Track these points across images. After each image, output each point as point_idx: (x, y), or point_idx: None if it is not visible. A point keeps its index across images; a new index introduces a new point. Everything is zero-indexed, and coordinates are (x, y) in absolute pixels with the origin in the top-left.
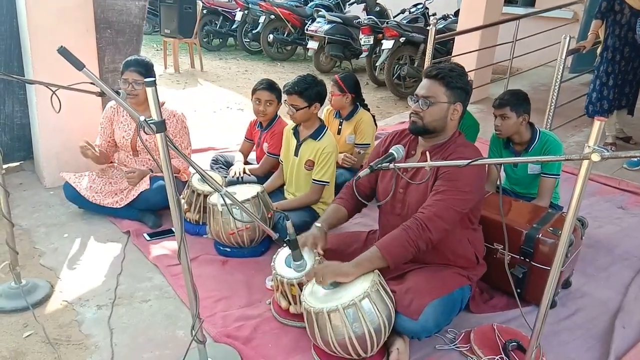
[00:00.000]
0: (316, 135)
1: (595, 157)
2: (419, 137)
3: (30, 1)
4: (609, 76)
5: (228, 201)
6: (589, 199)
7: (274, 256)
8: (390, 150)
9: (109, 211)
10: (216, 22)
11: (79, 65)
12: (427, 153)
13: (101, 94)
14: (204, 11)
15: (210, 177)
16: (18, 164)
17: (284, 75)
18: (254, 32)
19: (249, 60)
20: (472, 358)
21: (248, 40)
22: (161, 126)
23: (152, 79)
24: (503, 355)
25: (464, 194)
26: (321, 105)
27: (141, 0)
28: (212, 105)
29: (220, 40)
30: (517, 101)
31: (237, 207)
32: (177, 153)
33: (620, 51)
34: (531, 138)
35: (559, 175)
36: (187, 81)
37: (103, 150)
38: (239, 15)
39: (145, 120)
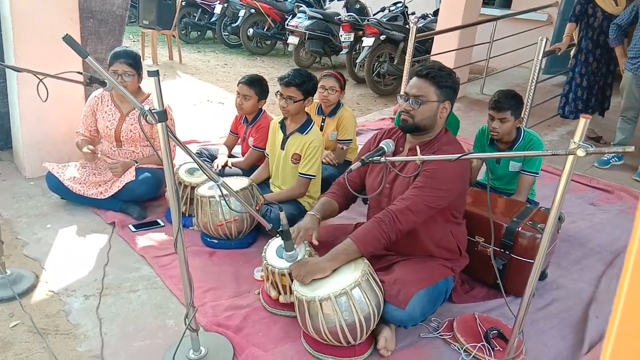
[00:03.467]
0: (303, 129)
1: (581, 153)
2: (408, 134)
3: None
4: (582, 77)
5: (224, 192)
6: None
7: (265, 247)
8: (381, 144)
9: (92, 202)
10: (195, 14)
11: (83, 54)
12: (418, 148)
13: (88, 83)
14: (183, 3)
15: (208, 168)
16: None
17: (264, 69)
18: (233, 25)
19: (228, 53)
20: (455, 345)
21: (227, 33)
22: (163, 116)
23: (156, 69)
24: (484, 342)
25: (439, 192)
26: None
27: None
28: (192, 98)
29: (199, 32)
30: (516, 105)
31: (232, 198)
32: (176, 143)
33: (593, 53)
34: (516, 137)
35: (538, 173)
36: (165, 73)
37: (87, 140)
38: (218, 8)
39: (149, 109)
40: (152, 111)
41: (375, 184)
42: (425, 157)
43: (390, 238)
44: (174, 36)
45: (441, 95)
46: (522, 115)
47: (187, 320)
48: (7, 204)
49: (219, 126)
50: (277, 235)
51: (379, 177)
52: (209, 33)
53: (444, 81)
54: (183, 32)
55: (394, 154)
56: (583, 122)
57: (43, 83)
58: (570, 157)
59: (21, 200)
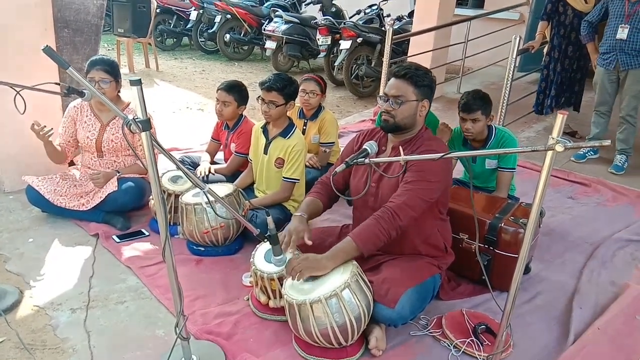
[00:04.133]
0: (285, 133)
1: (559, 148)
2: (390, 134)
3: None
4: (556, 74)
5: (211, 198)
6: None
7: (253, 252)
8: (364, 146)
9: (74, 214)
10: (170, 21)
11: (64, 65)
12: (400, 147)
13: (66, 94)
14: (158, 10)
15: (193, 175)
16: None
17: (242, 75)
18: (209, 31)
19: (205, 59)
20: (444, 342)
21: (203, 39)
22: (147, 125)
23: (138, 78)
24: (473, 338)
25: (430, 184)
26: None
27: None
28: (171, 105)
29: (175, 39)
30: (485, 104)
31: (218, 204)
32: (161, 151)
33: (565, 50)
34: (488, 135)
35: (514, 169)
36: (143, 81)
37: (62, 148)
38: (193, 15)
39: (133, 119)
40: (136, 120)
41: (360, 184)
42: (409, 157)
43: (390, 235)
44: (149, 44)
45: (419, 94)
46: (492, 114)
47: (177, 329)
48: None
49: (199, 133)
50: (265, 240)
51: (364, 178)
52: (185, 40)
53: (421, 80)
54: (159, 39)
55: (377, 153)
56: (560, 118)
57: (20, 95)
58: (550, 153)
59: (1, 214)
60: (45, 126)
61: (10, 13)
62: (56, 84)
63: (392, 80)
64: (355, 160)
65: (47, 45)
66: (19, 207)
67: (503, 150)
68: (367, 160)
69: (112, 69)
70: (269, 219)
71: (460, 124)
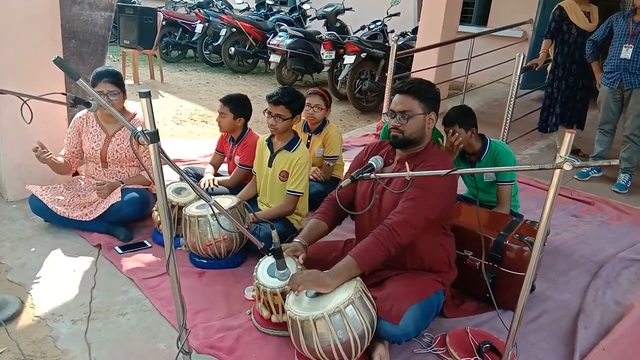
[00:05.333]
0: (290, 146)
1: (567, 167)
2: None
3: None
4: (560, 92)
5: (216, 210)
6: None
7: (256, 266)
8: (370, 161)
9: (76, 224)
10: (175, 33)
11: (74, 76)
12: (406, 163)
13: (72, 104)
14: (164, 22)
15: (199, 187)
16: None
17: (246, 87)
18: (214, 44)
19: (210, 72)
20: None
21: (208, 52)
22: (155, 137)
23: (147, 90)
24: (478, 357)
25: (432, 201)
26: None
27: (107, 11)
28: (176, 117)
29: (179, 52)
30: (463, 117)
31: (221, 217)
32: (168, 163)
33: (569, 69)
34: (482, 148)
35: (513, 181)
36: None
37: (67, 160)
38: (199, 28)
39: (142, 130)
40: (145, 132)
41: (365, 197)
42: (414, 173)
43: (389, 252)
44: (155, 55)
45: (425, 107)
46: (475, 127)
47: (179, 343)
48: None
49: (203, 145)
50: (269, 253)
51: (368, 191)
52: (190, 52)
53: (426, 93)
54: (164, 51)
55: (385, 166)
56: (568, 136)
57: (27, 105)
58: (557, 171)
59: (3, 224)
60: (45, 150)
61: (19, 23)
62: (63, 94)
63: (397, 96)
64: (360, 175)
65: (57, 57)
66: (21, 216)
67: (511, 168)
68: (372, 175)
69: (118, 81)
70: (274, 233)
71: (445, 136)
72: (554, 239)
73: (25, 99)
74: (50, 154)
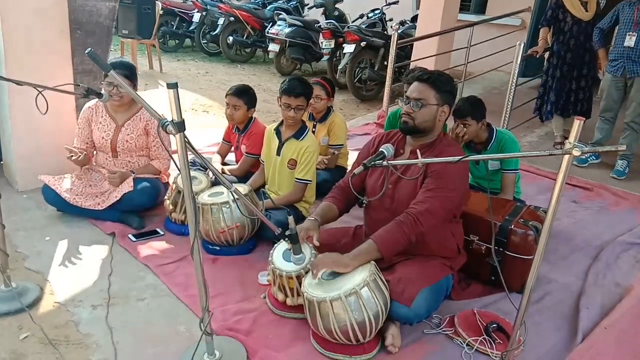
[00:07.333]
0: (299, 135)
1: (576, 152)
2: (408, 136)
3: (6, 2)
4: (554, 80)
5: (236, 196)
6: (545, 194)
7: (271, 251)
8: (381, 149)
9: (89, 213)
10: (172, 22)
11: (106, 68)
12: (418, 151)
13: (85, 95)
14: (161, 12)
15: (220, 174)
16: None
17: (245, 77)
18: (212, 33)
19: (208, 61)
20: (457, 340)
21: (206, 41)
22: (182, 126)
23: (174, 82)
24: (485, 336)
25: (450, 192)
26: None
27: (111, 2)
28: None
29: (177, 41)
30: (476, 109)
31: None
32: (192, 152)
33: (564, 57)
34: (489, 137)
35: (517, 169)
36: (147, 83)
37: (83, 150)
38: (196, 17)
39: (171, 120)
40: (171, 122)
41: (376, 186)
42: (426, 160)
43: (410, 240)
44: (153, 45)
45: (440, 99)
46: (484, 118)
47: (202, 325)
48: (3, 218)
49: (205, 135)
50: (286, 239)
51: (380, 180)
52: (187, 41)
53: (444, 86)
54: (161, 40)
55: (395, 156)
56: (577, 123)
57: (43, 95)
58: (566, 157)
59: (16, 213)
60: (78, 152)
61: (27, 15)
62: (76, 84)
63: (415, 83)
64: (372, 163)
65: (90, 49)
66: (33, 206)
67: (521, 154)
68: (384, 163)
69: (130, 73)
70: (291, 219)
71: (454, 128)
72: (555, 224)
73: (40, 89)
74: (84, 153)
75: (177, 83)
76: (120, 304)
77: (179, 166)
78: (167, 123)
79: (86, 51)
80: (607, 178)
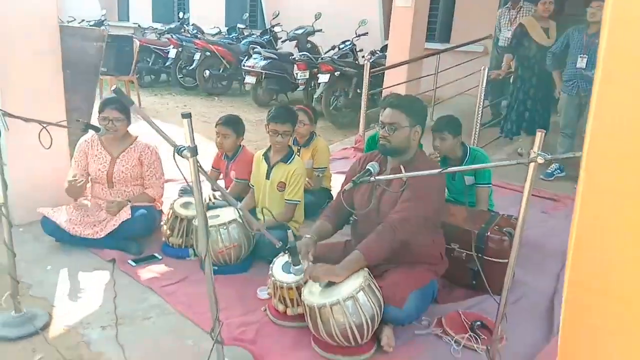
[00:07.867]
0: (286, 159)
1: (540, 160)
2: (388, 156)
3: (7, 44)
4: (517, 102)
5: (242, 213)
6: (516, 206)
7: (270, 266)
8: (367, 167)
9: (87, 242)
10: (148, 59)
11: (130, 102)
12: (401, 167)
13: (84, 130)
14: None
15: (227, 194)
16: None
17: (223, 108)
18: (188, 68)
19: (185, 95)
20: (446, 338)
21: (182, 76)
22: (194, 151)
23: (188, 112)
24: (471, 333)
25: (425, 202)
26: None
27: (99, 42)
28: (158, 140)
29: (153, 76)
30: (452, 125)
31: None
32: (205, 177)
33: (529, 80)
34: (463, 154)
35: (490, 184)
36: None
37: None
38: (172, 53)
39: (187, 146)
40: (184, 148)
41: (363, 200)
42: (410, 174)
43: (392, 246)
44: (132, 82)
45: (411, 121)
46: (460, 134)
47: (213, 334)
48: (1, 251)
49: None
50: (287, 251)
51: (367, 195)
52: (164, 76)
53: (412, 109)
54: (137, 76)
55: (378, 174)
56: (539, 135)
57: (47, 130)
58: (532, 165)
59: (15, 246)
60: (79, 179)
61: (26, 58)
62: (77, 120)
63: (387, 109)
64: (361, 179)
65: (117, 87)
66: (31, 238)
67: (493, 165)
68: (372, 179)
69: (124, 108)
70: (289, 233)
71: (432, 142)
72: (527, 233)
73: (44, 125)
74: (83, 180)
75: (190, 113)
76: (127, 324)
77: (191, 186)
78: (183, 149)
79: (112, 88)
80: (573, 190)
